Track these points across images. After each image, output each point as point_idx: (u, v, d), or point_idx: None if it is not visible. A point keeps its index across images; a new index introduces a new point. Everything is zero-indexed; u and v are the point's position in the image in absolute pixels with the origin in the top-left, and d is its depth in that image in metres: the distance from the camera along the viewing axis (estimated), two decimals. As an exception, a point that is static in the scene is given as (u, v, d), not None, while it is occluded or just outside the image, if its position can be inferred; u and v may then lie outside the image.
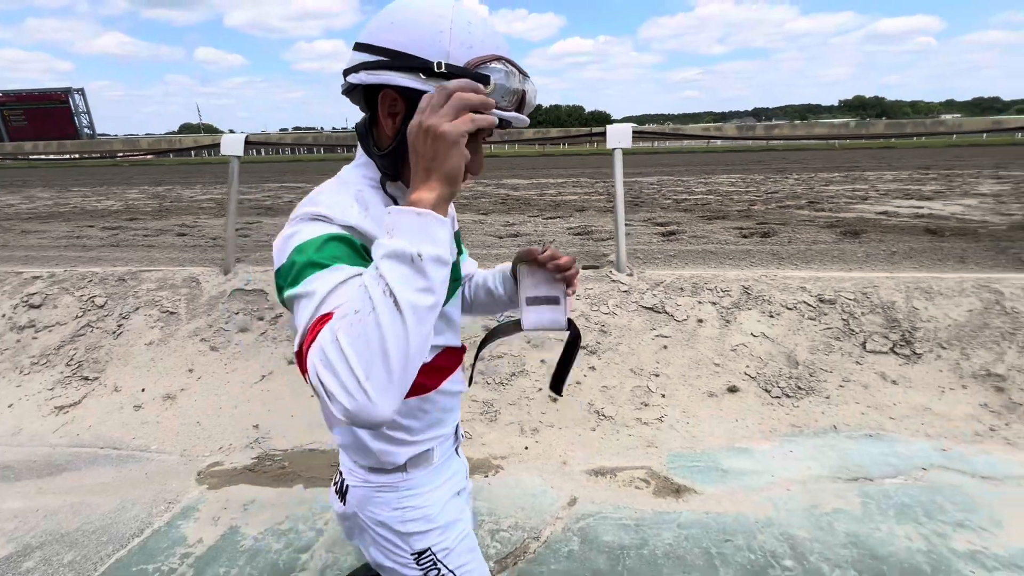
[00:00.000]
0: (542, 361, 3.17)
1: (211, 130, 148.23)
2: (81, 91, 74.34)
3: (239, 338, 3.62)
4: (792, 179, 10.65)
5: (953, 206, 6.59)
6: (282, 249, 0.74)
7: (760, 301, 3.45)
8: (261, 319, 3.74)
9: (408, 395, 0.87)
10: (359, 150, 0.87)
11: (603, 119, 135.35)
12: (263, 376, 3.28)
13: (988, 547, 1.88)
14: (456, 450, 1.07)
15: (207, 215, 8.01)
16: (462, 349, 1.02)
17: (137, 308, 3.90)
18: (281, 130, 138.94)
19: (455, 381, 1.00)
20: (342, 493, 0.99)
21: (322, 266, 0.69)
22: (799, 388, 2.93)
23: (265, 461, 2.59)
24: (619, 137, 3.67)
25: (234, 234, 4.31)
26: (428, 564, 0.96)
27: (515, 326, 1.04)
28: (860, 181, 9.84)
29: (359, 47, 0.78)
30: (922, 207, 6.60)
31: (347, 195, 0.78)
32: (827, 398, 2.87)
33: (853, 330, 3.23)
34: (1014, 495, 2.16)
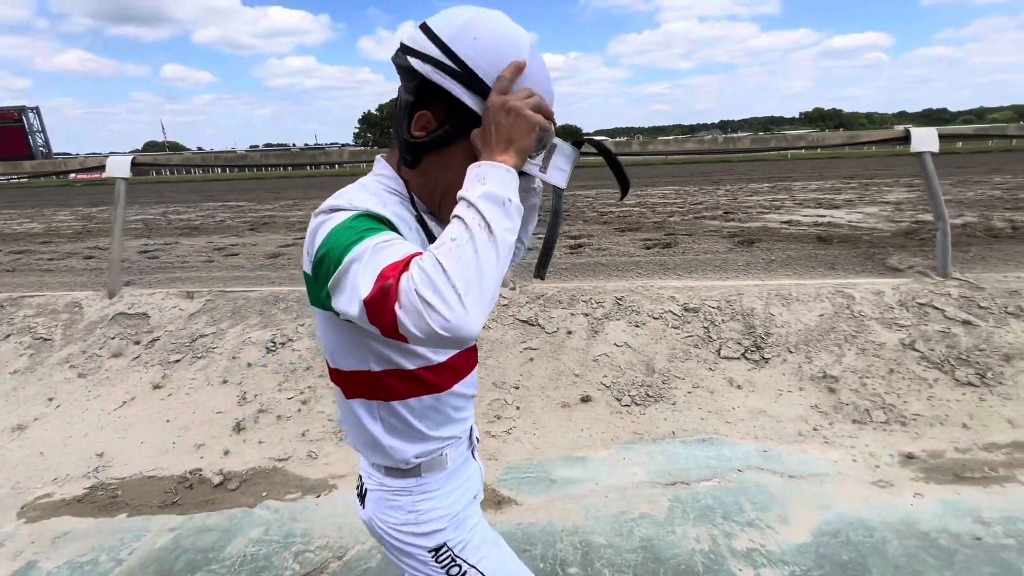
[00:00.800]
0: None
1: (177, 147, 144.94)
2: (36, 110, 72.14)
3: (111, 363, 3.55)
4: (722, 190, 10.99)
5: (855, 214, 6.90)
6: (312, 243, 0.78)
7: (629, 311, 3.55)
8: (137, 343, 3.68)
9: (420, 393, 0.92)
10: (377, 162, 0.93)
11: (573, 132, 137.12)
12: (124, 403, 3.21)
13: (765, 545, 1.96)
14: (472, 453, 1.09)
15: (128, 236, 7.85)
16: (475, 350, 1.05)
17: (8, 336, 3.80)
18: (251, 146, 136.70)
19: (468, 384, 1.01)
20: (362, 497, 1.01)
21: (366, 233, 0.73)
22: (648, 396, 3.01)
23: (97, 491, 2.54)
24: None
25: (119, 257, 4.24)
26: (447, 560, 0.96)
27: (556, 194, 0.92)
28: (784, 191, 10.22)
29: (433, 39, 0.80)
30: (825, 216, 6.89)
31: (365, 193, 0.83)
32: (673, 404, 2.96)
33: (712, 337, 3.35)
34: (811, 492, 2.26)
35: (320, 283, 0.75)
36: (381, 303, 0.67)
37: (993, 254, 4.52)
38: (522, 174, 0.86)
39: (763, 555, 1.91)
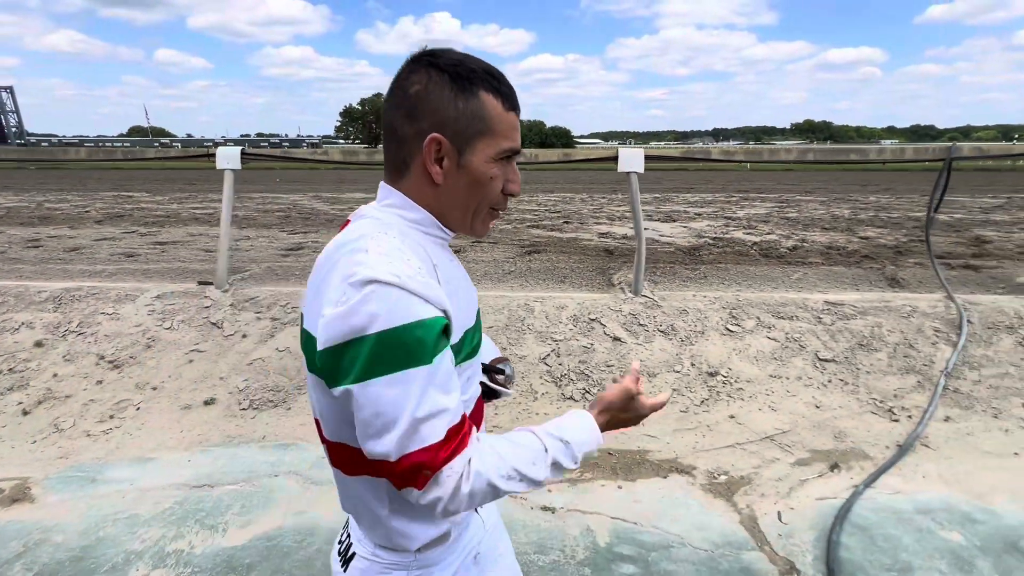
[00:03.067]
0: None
1: (161, 133, 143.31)
2: (10, 89, 71.09)
3: None
4: (605, 198, 11.11)
5: (679, 228, 7.05)
6: (344, 320, 0.67)
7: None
8: None
9: None
10: (383, 188, 0.83)
11: (563, 134, 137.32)
12: None
13: (195, 548, 2.05)
14: (475, 509, 0.96)
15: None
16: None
17: None
18: (243, 135, 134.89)
19: (481, 431, 0.93)
20: (346, 559, 0.88)
21: (420, 360, 0.68)
22: (270, 401, 3.10)
23: None
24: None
25: None
26: None
27: None
28: (666, 202, 10.36)
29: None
30: (648, 228, 7.02)
31: (408, 251, 0.74)
32: (288, 410, 3.04)
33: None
34: (312, 497, 2.35)
35: (340, 371, 0.68)
36: (414, 474, 0.68)
37: (718, 273, 4.65)
38: (494, 394, 0.98)
39: (180, 557, 2.00)
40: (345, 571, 0.87)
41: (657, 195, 11.80)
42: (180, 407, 3.05)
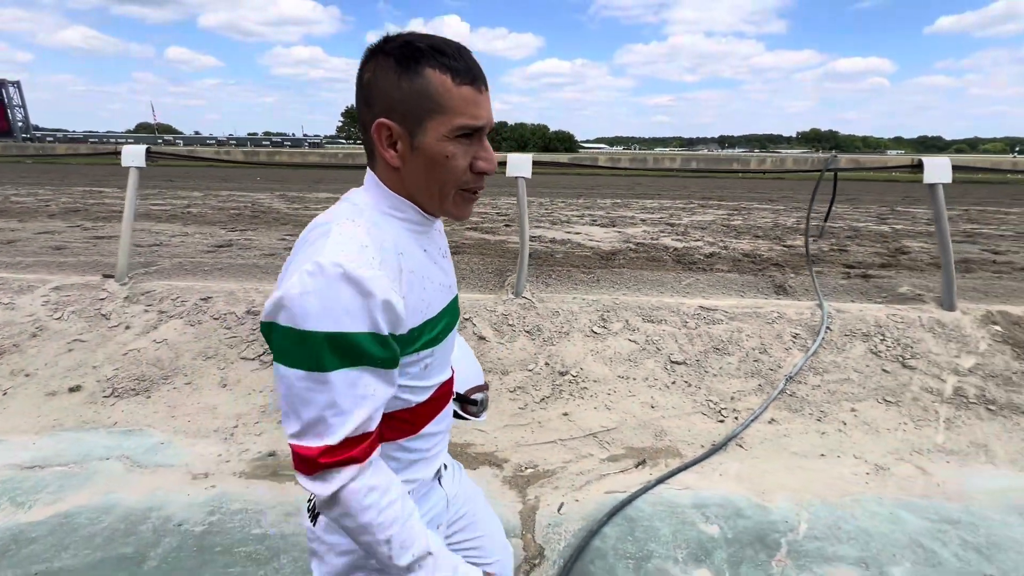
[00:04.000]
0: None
1: (168, 130, 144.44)
2: (16, 84, 71.69)
3: None
4: (566, 203, 11.22)
5: (613, 233, 7.14)
6: (281, 300, 0.71)
7: (197, 311, 3.76)
8: None
9: (392, 437, 0.86)
10: (367, 173, 0.86)
11: (566, 139, 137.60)
12: None
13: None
14: (439, 481, 1.00)
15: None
16: (451, 381, 0.98)
17: None
18: (250, 134, 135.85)
19: (440, 419, 0.95)
20: (314, 515, 0.92)
21: (329, 366, 0.71)
22: (133, 390, 3.23)
23: None
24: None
25: None
26: None
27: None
28: (623, 207, 10.46)
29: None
30: (580, 233, 7.13)
31: (370, 239, 0.76)
32: (148, 397, 3.17)
33: (237, 336, 3.56)
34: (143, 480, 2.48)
35: (271, 345, 0.74)
36: (298, 461, 0.74)
37: (613, 277, 4.74)
38: (464, 418, 1.06)
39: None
40: (314, 525, 0.92)
41: (617, 200, 11.90)
42: (46, 393, 3.19)
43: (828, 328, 3.62)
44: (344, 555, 0.89)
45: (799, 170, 3.93)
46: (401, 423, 0.87)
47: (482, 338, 3.54)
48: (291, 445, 0.75)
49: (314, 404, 0.71)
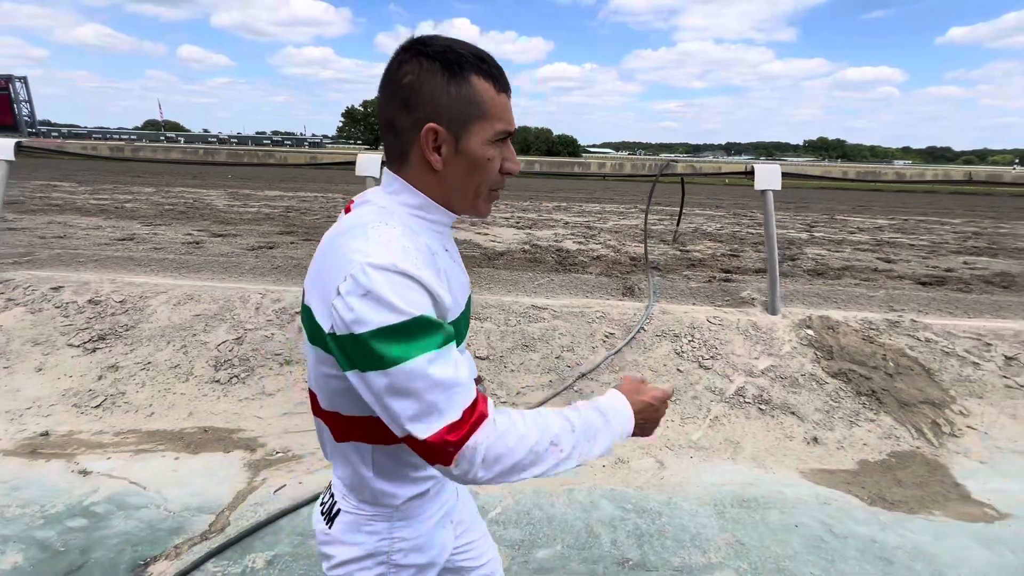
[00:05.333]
0: None
1: (175, 127, 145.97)
2: (23, 79, 72.80)
3: None
4: (552, 205, 11.35)
5: (521, 235, 7.25)
6: (350, 311, 0.71)
7: (43, 299, 3.90)
8: None
9: None
10: (386, 175, 0.86)
11: (570, 143, 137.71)
12: None
13: None
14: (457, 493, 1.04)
15: None
16: (478, 380, 0.99)
17: None
18: (258, 132, 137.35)
19: None
20: (330, 517, 0.93)
21: (425, 347, 0.71)
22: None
23: None
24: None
25: None
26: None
27: None
28: (564, 211, 10.57)
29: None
30: (489, 234, 7.25)
31: (408, 240, 0.77)
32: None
33: (72, 323, 3.70)
34: None
35: (348, 359, 0.73)
36: (439, 452, 0.72)
37: (472, 276, 4.84)
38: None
39: None
40: (331, 527, 0.92)
41: (563, 203, 12.00)
42: None
43: (642, 329, 3.72)
44: (365, 559, 0.90)
45: (637, 175, 4.03)
46: None
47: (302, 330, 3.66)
48: (421, 447, 0.73)
49: (418, 394, 0.71)
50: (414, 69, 0.78)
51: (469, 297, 0.95)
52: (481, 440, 0.73)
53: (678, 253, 6.43)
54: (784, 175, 4.00)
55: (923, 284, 5.17)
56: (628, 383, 0.92)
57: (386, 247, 0.73)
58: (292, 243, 6.16)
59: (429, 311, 0.72)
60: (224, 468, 2.59)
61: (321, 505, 0.97)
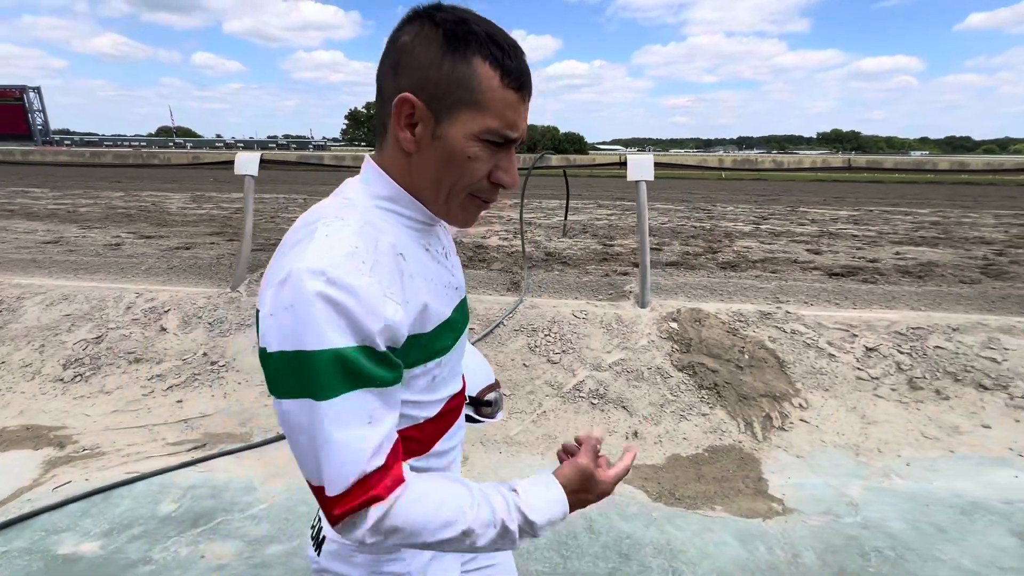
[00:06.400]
0: None
1: (187, 133, 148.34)
2: (37, 89, 74.52)
3: None
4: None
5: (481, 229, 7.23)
6: (267, 324, 0.61)
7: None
8: None
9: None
10: (366, 162, 0.76)
11: (576, 140, 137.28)
12: None
13: None
14: None
15: None
16: (462, 392, 0.88)
17: None
18: (269, 137, 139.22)
19: (452, 433, 0.85)
20: (318, 543, 0.84)
21: (321, 393, 0.60)
22: None
23: None
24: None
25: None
26: None
27: None
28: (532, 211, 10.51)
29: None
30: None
31: (363, 241, 0.65)
32: None
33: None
34: None
35: (267, 379, 0.63)
36: (324, 505, 0.63)
37: None
38: (479, 421, 0.97)
39: None
40: (319, 554, 0.83)
41: (536, 202, 11.95)
42: None
43: (503, 323, 3.67)
44: None
45: (521, 168, 3.98)
46: (408, 442, 0.75)
47: (164, 329, 3.68)
48: (312, 489, 0.64)
49: (314, 442, 0.61)
50: (414, 31, 0.68)
51: (462, 301, 0.82)
52: (372, 516, 0.63)
53: (599, 248, 6.36)
54: (658, 165, 3.93)
55: (833, 275, 5.04)
56: (580, 474, 0.75)
57: (328, 248, 0.62)
58: (212, 244, 6.21)
59: (359, 340, 0.60)
60: (21, 465, 2.61)
61: (311, 529, 0.87)
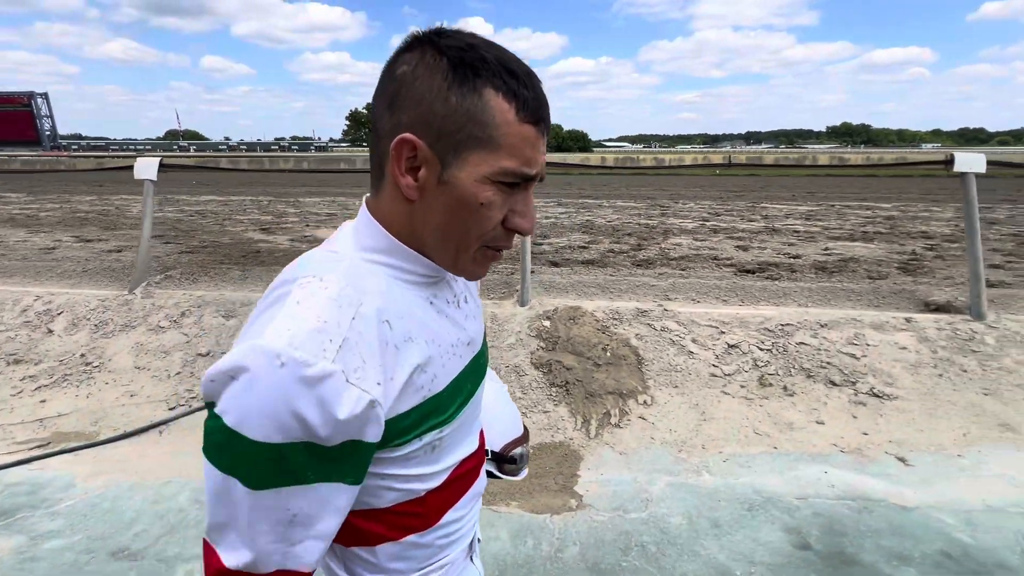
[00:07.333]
0: None
1: (194, 136, 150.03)
2: (45, 95, 75.64)
3: None
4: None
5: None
6: (221, 386, 0.53)
7: None
8: None
9: (399, 536, 0.67)
10: (361, 208, 0.66)
11: (580, 138, 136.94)
12: None
13: None
14: (472, 558, 0.80)
15: None
16: (477, 453, 0.77)
17: None
18: (277, 138, 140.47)
19: (464, 504, 0.74)
20: None
21: (263, 482, 0.53)
22: None
23: None
24: None
25: None
26: None
27: None
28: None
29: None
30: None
31: (335, 312, 0.55)
32: None
33: None
34: None
35: (204, 432, 0.55)
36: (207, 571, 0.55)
37: (268, 274, 4.91)
38: (499, 477, 0.91)
39: None
40: None
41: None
42: None
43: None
44: None
45: (348, 170, 4.02)
46: (409, 518, 0.67)
47: (50, 331, 3.77)
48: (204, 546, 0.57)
49: (219, 510, 0.55)
50: (414, 60, 0.59)
51: (476, 357, 0.73)
52: None
53: (541, 247, 6.38)
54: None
55: (742, 272, 5.04)
56: None
57: (293, 322, 0.53)
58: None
59: (306, 435, 0.52)
60: None
61: None
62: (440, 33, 0.60)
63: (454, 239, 0.62)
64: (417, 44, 0.59)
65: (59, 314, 3.96)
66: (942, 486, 2.39)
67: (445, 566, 0.72)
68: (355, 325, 0.56)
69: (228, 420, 0.52)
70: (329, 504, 0.56)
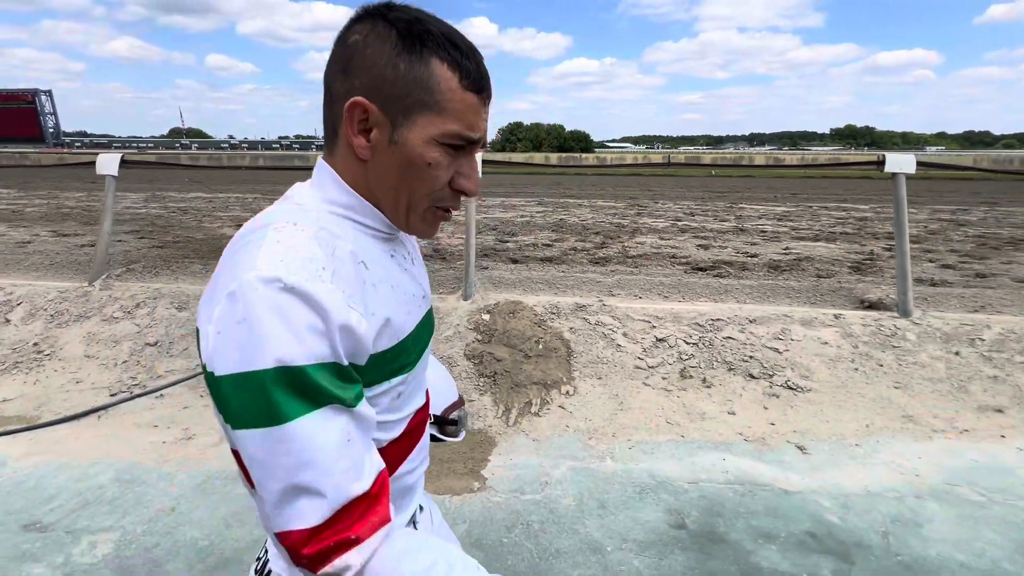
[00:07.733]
0: None
1: (197, 135, 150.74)
2: (48, 93, 76.11)
3: None
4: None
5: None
6: (212, 344, 0.54)
7: None
8: None
9: None
10: (317, 163, 0.71)
11: (582, 138, 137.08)
12: None
13: None
14: (414, 526, 0.83)
15: None
16: (426, 407, 0.82)
17: None
18: (281, 137, 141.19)
19: (417, 455, 0.78)
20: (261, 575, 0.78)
21: (281, 419, 0.53)
22: None
23: None
24: None
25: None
26: None
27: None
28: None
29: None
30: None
31: (319, 247, 0.59)
32: None
33: None
34: None
35: (219, 407, 0.56)
36: (290, 553, 0.56)
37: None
38: (441, 440, 0.95)
39: None
40: None
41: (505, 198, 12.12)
42: None
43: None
44: None
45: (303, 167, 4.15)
46: None
47: (6, 321, 3.90)
48: (275, 535, 0.57)
49: (279, 472, 0.54)
50: (364, 30, 0.64)
51: (428, 311, 0.79)
52: (345, 565, 0.55)
53: (489, 243, 6.49)
54: (489, 163, 4.07)
55: (695, 270, 5.14)
56: None
57: (283, 253, 0.56)
58: (118, 241, 6.46)
59: (322, 355, 0.54)
60: None
61: (256, 561, 0.78)
62: (390, 7, 0.65)
63: (405, 197, 0.67)
64: (368, 16, 0.65)
65: (18, 304, 4.08)
66: (830, 472, 2.49)
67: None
68: (337, 261, 0.60)
69: (242, 365, 0.53)
70: (362, 419, 0.59)
